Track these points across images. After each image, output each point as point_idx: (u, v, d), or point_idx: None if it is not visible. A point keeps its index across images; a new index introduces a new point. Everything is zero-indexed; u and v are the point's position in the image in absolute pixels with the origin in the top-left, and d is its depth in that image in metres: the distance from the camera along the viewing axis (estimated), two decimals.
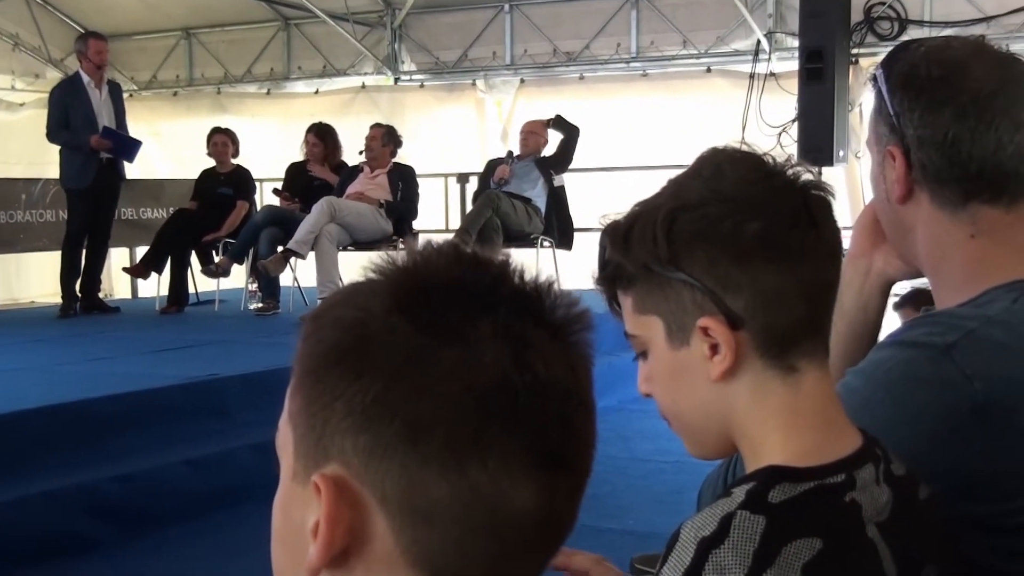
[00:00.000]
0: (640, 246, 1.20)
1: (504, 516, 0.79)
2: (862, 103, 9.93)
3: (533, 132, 9.41)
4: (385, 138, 9.14)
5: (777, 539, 1.09)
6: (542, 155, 9.32)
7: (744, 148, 1.24)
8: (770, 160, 1.21)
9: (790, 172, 1.20)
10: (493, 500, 0.78)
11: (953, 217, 1.52)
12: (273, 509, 0.87)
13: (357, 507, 0.79)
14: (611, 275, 1.25)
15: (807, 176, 1.21)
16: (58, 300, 9.37)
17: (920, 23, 9.87)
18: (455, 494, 0.78)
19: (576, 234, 9.36)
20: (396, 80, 12.49)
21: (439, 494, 0.78)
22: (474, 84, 12.12)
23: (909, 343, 1.45)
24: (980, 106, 1.48)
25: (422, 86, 12.39)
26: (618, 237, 1.22)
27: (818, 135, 9.06)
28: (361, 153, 9.22)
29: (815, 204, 1.19)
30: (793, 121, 9.76)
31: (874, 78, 1.57)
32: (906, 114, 1.51)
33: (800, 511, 1.12)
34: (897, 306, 7.33)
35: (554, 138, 9.44)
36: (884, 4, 9.92)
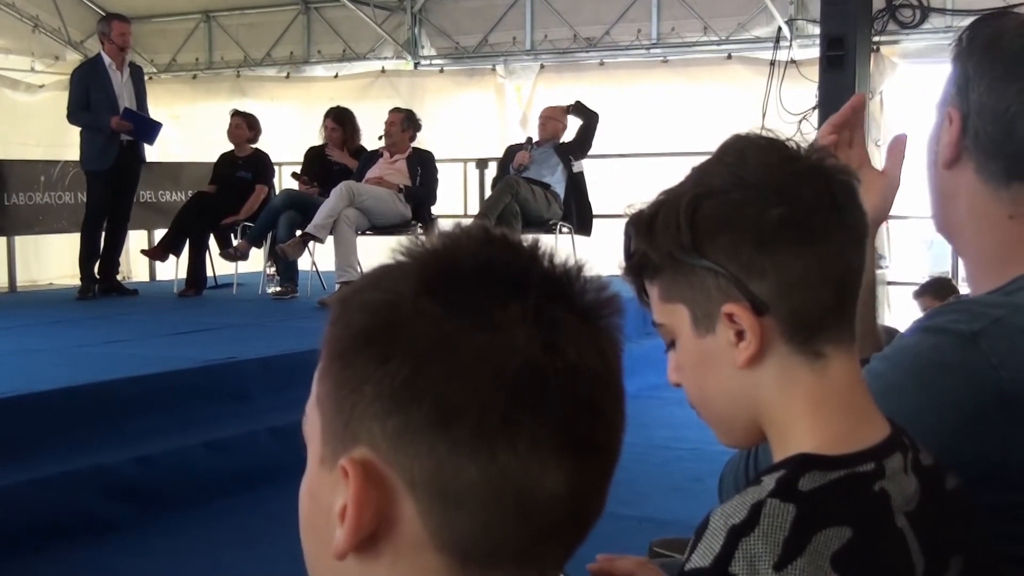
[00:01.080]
0: (664, 234, 1.19)
1: (533, 500, 0.78)
2: (883, 91, 9.88)
3: (551, 118, 9.40)
4: (404, 123, 9.13)
5: (807, 528, 1.09)
6: (561, 141, 9.31)
7: (767, 134, 1.23)
8: (793, 145, 1.21)
9: (813, 157, 1.20)
10: (522, 484, 0.78)
11: (995, 194, 1.51)
12: (300, 494, 0.87)
13: (385, 491, 0.79)
14: (637, 264, 1.24)
15: (831, 161, 1.21)
16: (76, 282, 9.39)
17: (942, 11, 9.81)
18: (484, 478, 0.77)
19: (595, 220, 9.34)
20: (416, 65, 12.47)
21: (468, 478, 0.77)
22: (494, 69, 12.09)
23: (936, 329, 1.44)
24: None
25: (442, 71, 12.37)
26: (643, 226, 1.22)
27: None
28: (380, 139, 9.21)
29: (839, 188, 1.18)
30: (813, 109, 9.72)
31: (958, 39, 1.55)
32: (976, 79, 1.50)
33: (830, 500, 1.11)
34: (917, 294, 7.31)
35: (573, 124, 9.42)
36: None
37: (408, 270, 0.82)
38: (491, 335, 0.78)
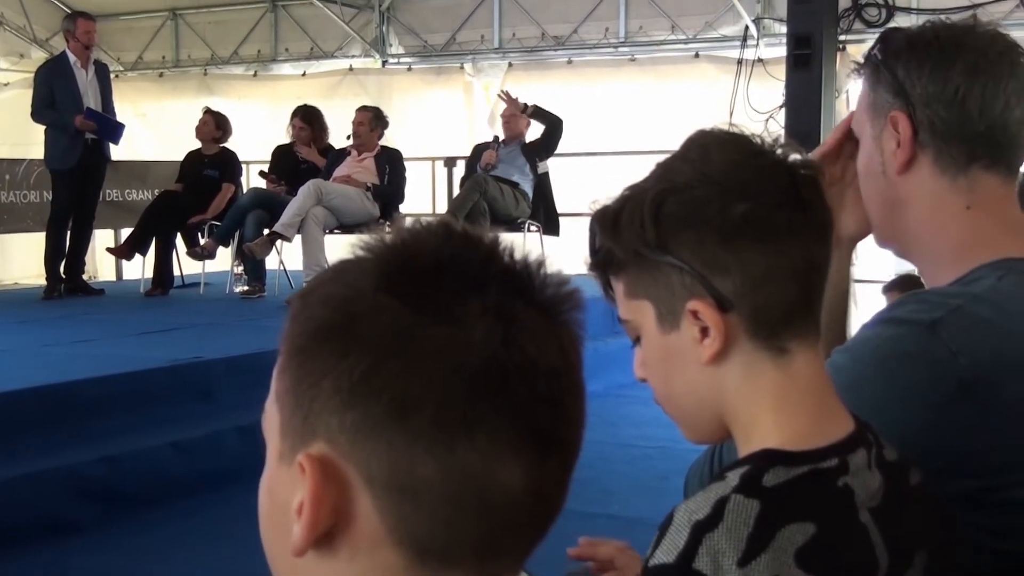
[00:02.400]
0: (629, 230, 1.19)
1: (492, 495, 0.78)
2: (849, 90, 9.94)
3: (515, 116, 9.38)
4: (372, 122, 9.12)
5: (771, 523, 1.09)
6: (527, 140, 9.30)
7: (732, 129, 1.23)
8: (757, 141, 1.21)
9: (778, 152, 1.20)
10: (481, 479, 0.78)
11: (953, 185, 1.52)
12: (259, 491, 0.87)
13: (342, 486, 0.79)
14: (602, 260, 1.24)
15: (795, 156, 1.20)
16: (42, 282, 9.33)
17: (908, 10, 9.88)
18: (443, 473, 0.77)
19: (564, 219, 9.35)
20: (384, 63, 12.46)
21: (426, 473, 0.77)
22: (462, 68, 12.10)
23: (896, 320, 1.46)
24: (991, 63, 1.49)
25: (410, 69, 12.36)
26: (607, 222, 1.22)
27: (805, 121, 9.06)
28: (348, 138, 9.20)
29: (803, 183, 1.18)
30: (780, 107, 9.76)
31: (869, 56, 1.57)
32: (914, 73, 1.51)
33: (794, 495, 1.12)
34: (885, 290, 7.35)
35: (537, 123, 9.41)
36: None
37: (368, 265, 0.82)
38: (450, 330, 0.77)
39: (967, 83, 1.49)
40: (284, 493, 0.82)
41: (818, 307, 1.21)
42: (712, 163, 1.18)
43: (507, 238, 0.85)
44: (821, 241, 1.21)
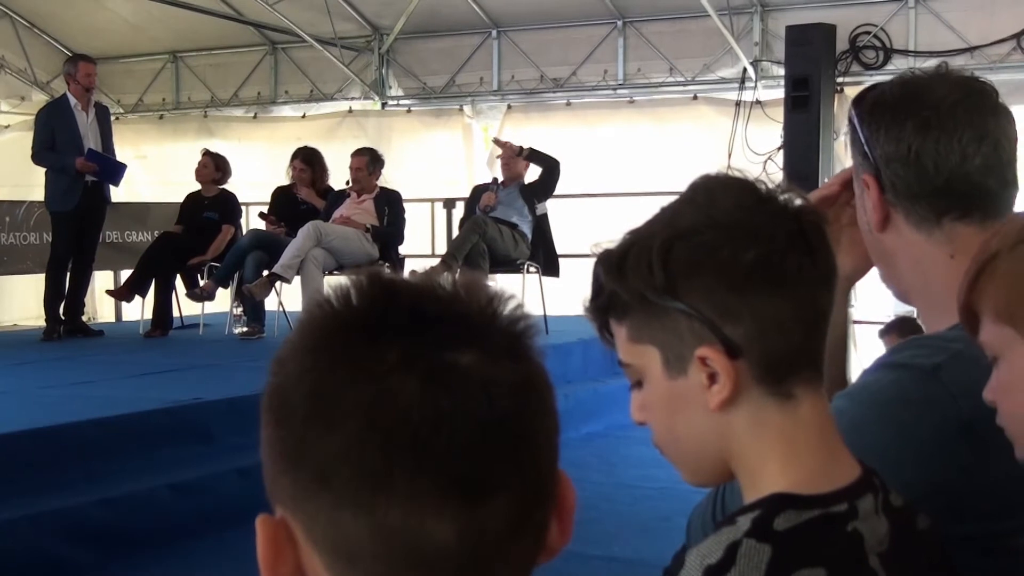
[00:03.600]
0: (635, 275, 1.18)
1: (424, 551, 0.78)
2: (847, 132, 9.98)
3: (512, 158, 9.40)
4: (370, 165, 9.14)
5: (782, 568, 1.09)
6: (525, 182, 9.32)
7: (736, 174, 1.22)
8: (763, 186, 1.20)
9: (783, 197, 1.19)
10: (409, 535, 0.77)
11: (930, 238, 1.53)
12: None
13: (296, 548, 0.81)
14: (605, 304, 1.23)
15: (800, 201, 1.20)
16: (41, 323, 9.32)
17: (905, 52, 9.93)
18: (370, 533, 0.77)
19: (564, 260, 9.36)
20: (383, 105, 12.50)
21: (356, 534, 0.78)
22: (461, 109, 12.14)
23: (896, 365, 1.46)
24: (941, 117, 1.50)
25: (409, 111, 12.41)
26: (612, 266, 1.20)
27: (804, 163, 9.10)
28: (348, 183, 9.22)
29: (810, 229, 1.18)
30: (779, 149, 9.80)
31: (849, 119, 1.59)
32: (873, 137, 1.53)
33: (805, 540, 1.11)
34: (882, 333, 7.36)
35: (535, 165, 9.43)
36: (869, 34, 9.97)
37: (302, 327, 0.83)
38: (366, 387, 0.77)
39: (919, 140, 1.49)
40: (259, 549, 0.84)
41: (822, 350, 1.21)
42: (719, 208, 1.17)
43: (504, 282, 0.85)
44: (827, 287, 1.20)
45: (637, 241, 1.19)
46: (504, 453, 0.80)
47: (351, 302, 0.82)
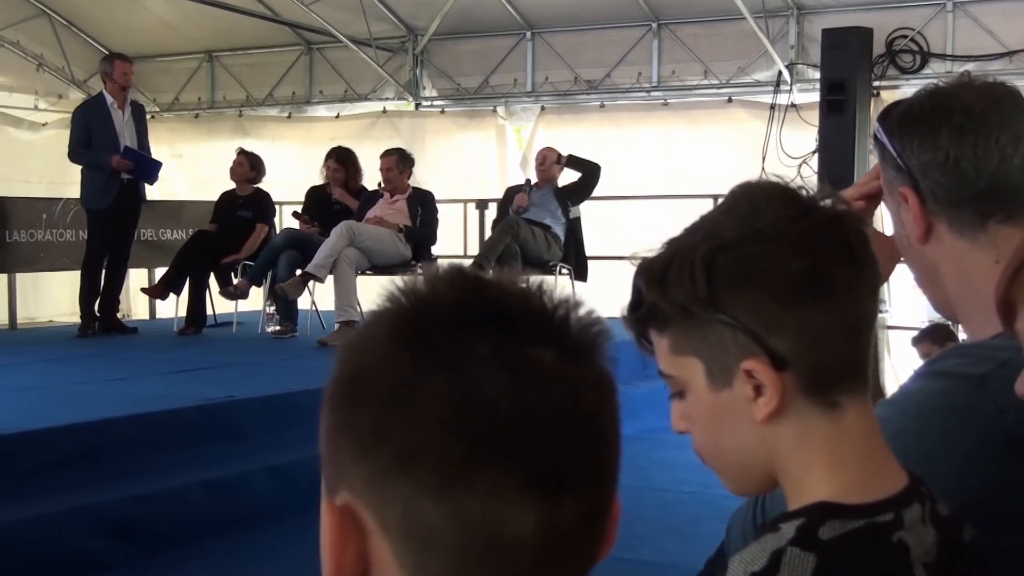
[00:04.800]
0: (678, 287, 1.16)
1: (501, 542, 0.79)
2: (872, 149, 9.91)
3: (548, 159, 9.42)
4: (399, 165, 9.14)
5: None
6: (560, 185, 9.33)
7: (775, 180, 1.20)
8: (804, 193, 1.18)
9: (827, 205, 1.18)
10: (487, 526, 0.78)
11: (975, 244, 1.52)
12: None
13: (364, 533, 0.81)
14: (644, 315, 1.21)
15: (843, 208, 1.18)
16: (76, 320, 9.39)
17: (942, 56, 9.87)
18: (448, 521, 0.78)
19: (597, 262, 9.36)
20: (417, 106, 12.52)
21: (433, 521, 0.78)
22: (494, 111, 12.14)
23: (941, 373, 1.45)
24: (976, 121, 1.49)
25: (443, 112, 12.42)
26: (654, 277, 1.18)
27: (839, 167, 9.05)
28: (380, 185, 9.24)
29: (854, 237, 1.16)
30: (813, 152, 9.76)
31: (875, 135, 1.58)
32: (907, 148, 1.52)
33: (850, 550, 1.10)
34: (916, 340, 7.31)
35: (569, 170, 9.44)
36: (906, 37, 9.92)
37: (384, 315, 0.83)
38: (452, 378, 0.78)
39: (956, 145, 1.48)
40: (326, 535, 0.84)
41: (867, 359, 1.20)
42: (762, 218, 1.16)
43: (534, 279, 0.86)
44: (872, 295, 1.19)
45: (679, 252, 1.18)
46: (584, 450, 0.82)
47: (438, 294, 0.83)
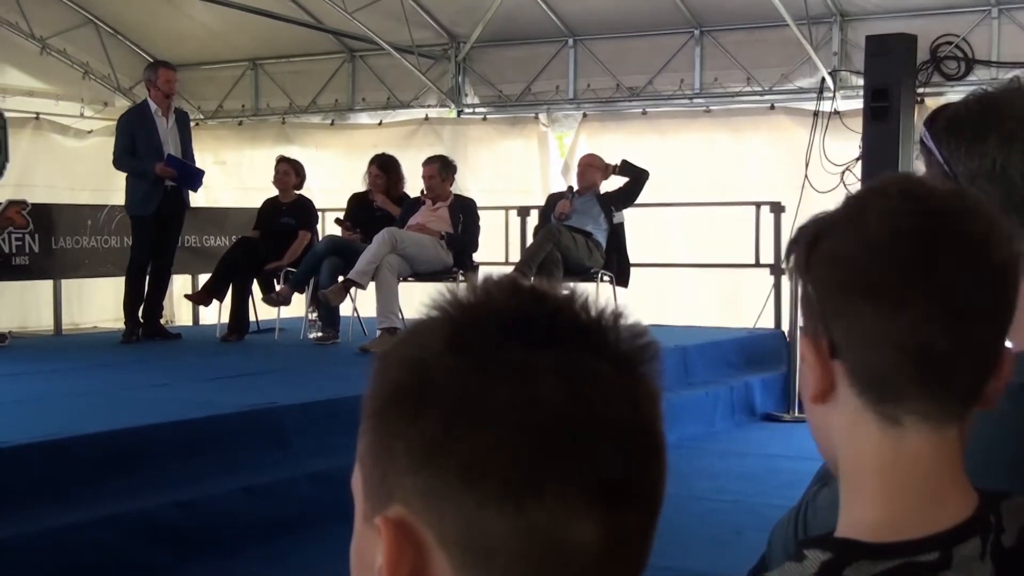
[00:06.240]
0: (795, 250, 1.18)
1: (566, 552, 0.78)
2: (918, 155, 9.83)
3: (591, 165, 9.41)
4: (442, 172, 9.14)
5: None
6: (604, 191, 9.32)
7: (923, 179, 1.18)
8: (935, 202, 1.14)
9: (948, 219, 1.13)
10: (553, 537, 0.78)
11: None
12: (350, 549, 0.87)
13: (419, 548, 0.79)
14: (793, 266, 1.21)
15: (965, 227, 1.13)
16: (120, 325, 9.46)
17: (987, 63, 9.80)
18: (514, 532, 0.77)
19: (637, 269, 9.34)
20: (459, 113, 12.56)
21: (498, 532, 0.77)
22: (536, 118, 12.15)
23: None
24: None
25: (485, 119, 12.45)
26: (803, 235, 1.19)
27: (881, 174, 8.99)
28: (422, 192, 9.25)
29: (945, 264, 1.11)
30: (857, 160, 9.70)
31: (921, 140, 1.55)
32: (954, 154, 1.49)
33: None
34: None
35: (615, 177, 9.43)
36: (951, 44, 9.86)
37: (438, 325, 0.82)
38: (516, 388, 0.78)
39: (1004, 154, 1.46)
40: (369, 553, 0.83)
41: (949, 390, 1.13)
42: (880, 211, 1.13)
43: (582, 288, 0.85)
44: (943, 312, 1.11)
45: (819, 219, 1.17)
46: (644, 460, 0.82)
47: (495, 304, 0.82)
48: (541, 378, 0.78)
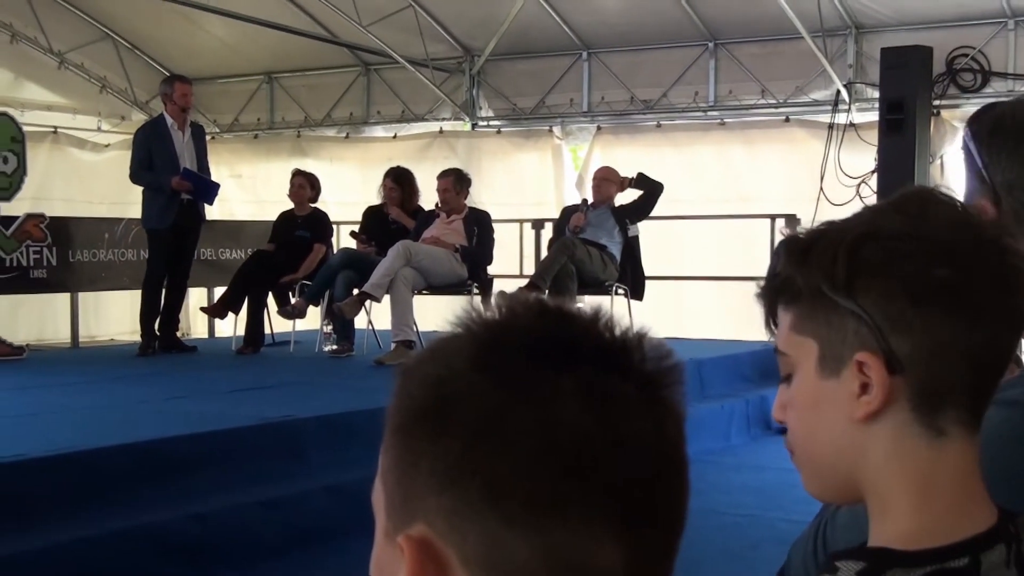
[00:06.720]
0: (818, 264, 1.13)
1: (588, 574, 0.78)
2: (943, 155, 9.83)
3: (606, 179, 9.40)
4: (456, 186, 9.14)
5: None
6: (619, 204, 9.31)
7: (951, 194, 1.17)
8: (975, 213, 1.15)
9: (992, 231, 1.14)
10: (576, 559, 0.77)
11: None
12: (370, 566, 0.87)
13: (442, 567, 0.79)
14: (778, 287, 1.18)
15: (1007, 240, 1.14)
16: (136, 338, 9.49)
17: (1004, 75, 9.78)
18: (538, 554, 0.77)
19: (652, 282, 9.32)
20: (473, 126, 12.58)
21: (521, 554, 0.77)
22: (551, 130, 12.17)
23: (1006, 403, 1.41)
24: None
25: (499, 132, 12.46)
26: (797, 250, 1.16)
27: (898, 187, 8.97)
28: (437, 205, 9.27)
29: (1010, 270, 1.12)
30: (872, 172, 9.69)
31: (964, 142, 1.54)
32: (994, 162, 1.48)
33: None
34: None
35: (631, 190, 9.43)
36: (967, 56, 9.84)
37: (462, 343, 0.82)
38: (541, 410, 0.78)
39: None
40: (390, 570, 0.83)
41: (988, 397, 1.14)
42: (928, 221, 1.12)
43: (605, 309, 0.85)
44: (1011, 331, 1.14)
45: (830, 231, 1.15)
46: (668, 484, 0.82)
47: (520, 323, 0.82)
48: (565, 400, 0.78)
